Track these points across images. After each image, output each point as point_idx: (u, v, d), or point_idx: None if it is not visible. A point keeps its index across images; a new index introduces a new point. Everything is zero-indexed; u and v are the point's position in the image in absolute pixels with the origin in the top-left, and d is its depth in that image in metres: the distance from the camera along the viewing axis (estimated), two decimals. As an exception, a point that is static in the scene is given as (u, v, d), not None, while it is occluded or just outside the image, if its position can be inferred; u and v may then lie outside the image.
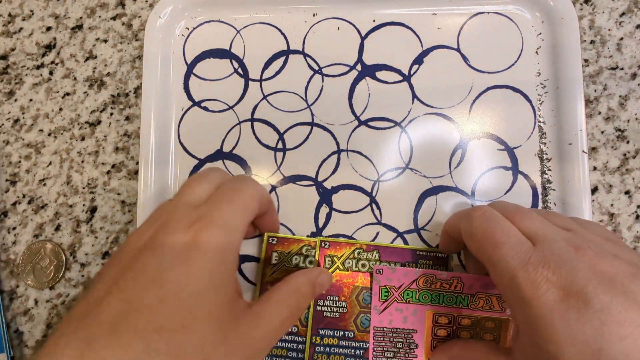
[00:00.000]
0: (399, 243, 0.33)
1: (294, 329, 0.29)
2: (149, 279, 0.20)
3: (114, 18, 0.37)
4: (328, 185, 0.34)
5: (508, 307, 0.25)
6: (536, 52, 0.34)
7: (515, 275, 0.21)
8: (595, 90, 0.34)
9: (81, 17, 0.37)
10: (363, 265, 0.28)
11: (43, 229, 0.35)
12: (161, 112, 0.34)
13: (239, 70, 0.35)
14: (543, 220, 0.24)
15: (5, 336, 0.33)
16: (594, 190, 0.34)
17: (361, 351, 0.29)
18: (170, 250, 0.21)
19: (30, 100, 0.36)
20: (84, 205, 0.35)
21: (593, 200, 0.33)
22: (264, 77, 0.35)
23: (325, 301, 0.29)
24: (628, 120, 0.34)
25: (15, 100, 0.36)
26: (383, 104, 0.34)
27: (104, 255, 0.34)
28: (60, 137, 0.36)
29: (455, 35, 0.35)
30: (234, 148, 0.34)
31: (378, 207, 0.33)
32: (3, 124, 0.36)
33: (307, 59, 0.35)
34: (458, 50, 0.34)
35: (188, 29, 0.36)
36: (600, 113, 0.34)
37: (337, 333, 0.29)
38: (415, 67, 0.34)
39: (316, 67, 0.35)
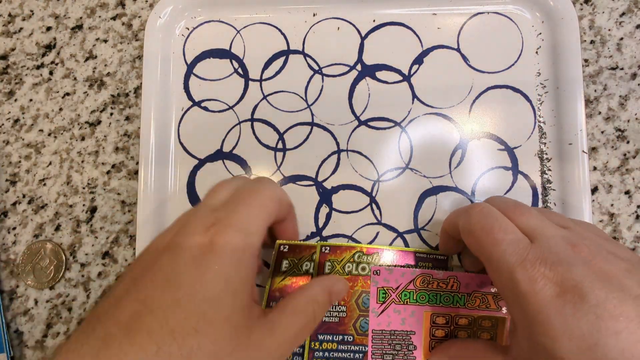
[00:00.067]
0: (399, 243, 0.33)
1: None
2: (165, 281, 0.21)
3: (114, 18, 0.37)
4: (328, 185, 0.34)
5: (505, 303, 0.25)
6: (536, 52, 0.34)
7: (513, 272, 0.22)
8: (595, 90, 0.34)
9: (81, 17, 0.37)
10: (363, 269, 0.28)
11: (43, 229, 0.35)
12: (161, 112, 0.34)
13: (239, 70, 0.35)
14: (540, 217, 0.24)
15: (5, 336, 0.33)
16: (594, 190, 0.34)
17: (360, 355, 0.29)
18: (187, 252, 0.21)
19: (30, 100, 0.36)
20: (84, 205, 0.35)
21: (593, 200, 0.33)
22: (264, 77, 0.35)
23: None
24: (628, 120, 0.34)
25: (15, 100, 0.36)
26: (383, 104, 0.34)
27: (104, 255, 0.34)
28: (60, 137, 0.36)
29: (455, 35, 0.35)
30: (234, 148, 0.34)
31: (378, 207, 0.33)
32: (3, 124, 0.36)
33: (307, 59, 0.35)
34: (458, 50, 0.34)
35: (188, 29, 0.36)
36: (600, 113, 0.34)
37: (336, 337, 0.28)
38: (415, 67, 0.34)
39: (316, 67, 0.35)
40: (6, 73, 0.37)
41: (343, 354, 0.29)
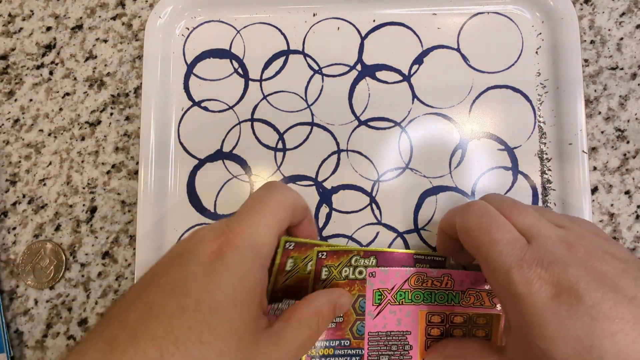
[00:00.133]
0: (398, 242, 0.33)
1: None
2: (172, 286, 0.21)
3: (114, 18, 0.37)
4: (328, 185, 0.34)
5: (500, 303, 0.25)
6: (536, 52, 0.34)
7: (510, 273, 0.22)
8: (595, 90, 0.34)
9: (81, 17, 0.37)
10: (360, 273, 0.28)
11: (43, 229, 0.35)
12: (161, 112, 0.34)
13: (239, 70, 0.35)
14: (537, 216, 0.24)
15: (5, 336, 0.33)
16: (594, 190, 0.34)
17: (357, 357, 0.29)
18: (196, 258, 0.21)
19: (30, 100, 0.36)
20: (84, 205, 0.35)
21: (593, 200, 0.33)
22: (264, 77, 0.35)
23: None
24: (628, 120, 0.34)
25: (15, 100, 0.36)
26: (383, 104, 0.34)
27: (104, 255, 0.34)
28: (60, 137, 0.36)
29: (455, 35, 0.35)
30: (234, 148, 0.34)
31: (378, 207, 0.33)
32: (3, 124, 0.36)
33: (307, 59, 0.35)
34: (458, 50, 0.34)
35: (188, 29, 0.36)
36: (600, 113, 0.34)
37: (333, 343, 0.28)
38: (415, 67, 0.34)
39: (316, 67, 0.35)
40: (6, 73, 0.37)
41: (340, 357, 0.28)
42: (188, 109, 0.35)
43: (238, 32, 0.35)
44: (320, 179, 0.34)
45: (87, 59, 0.37)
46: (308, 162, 0.34)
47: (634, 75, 0.34)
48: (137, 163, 0.35)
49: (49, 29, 0.37)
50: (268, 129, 0.34)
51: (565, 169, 0.33)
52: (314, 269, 0.27)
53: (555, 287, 0.21)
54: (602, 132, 0.34)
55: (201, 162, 0.34)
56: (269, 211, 0.23)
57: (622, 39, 0.35)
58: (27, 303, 0.34)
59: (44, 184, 0.35)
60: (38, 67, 0.37)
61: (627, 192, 0.34)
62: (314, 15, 0.35)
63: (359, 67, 0.35)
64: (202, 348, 0.19)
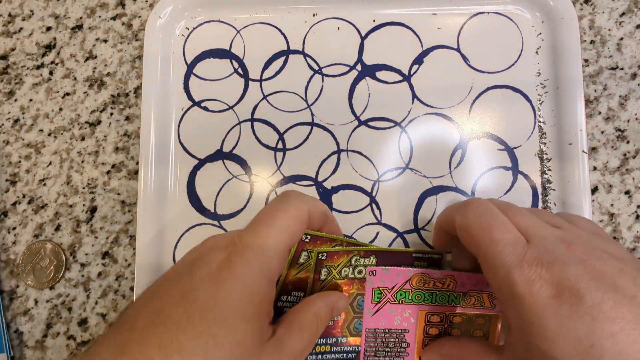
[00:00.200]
0: (398, 242, 0.33)
1: None
2: (181, 293, 0.21)
3: (114, 18, 0.37)
4: (328, 185, 0.34)
5: (500, 303, 0.25)
6: (536, 52, 0.34)
7: (510, 273, 0.21)
8: (595, 90, 0.34)
9: (81, 17, 0.37)
10: (360, 272, 0.28)
11: (43, 229, 0.35)
12: (161, 112, 0.34)
13: (239, 70, 0.35)
14: (534, 218, 0.24)
15: (5, 336, 0.33)
16: (594, 190, 0.34)
17: (353, 354, 0.29)
18: (205, 266, 0.21)
19: (30, 100, 0.36)
20: (84, 205, 0.35)
21: (593, 200, 0.33)
22: (264, 77, 0.35)
23: None
24: (628, 120, 0.34)
25: (15, 100, 0.36)
26: (383, 104, 0.34)
27: (104, 255, 0.34)
28: (60, 137, 0.36)
29: (455, 35, 0.35)
30: (234, 148, 0.34)
31: (378, 207, 0.33)
32: (3, 124, 0.36)
33: (307, 59, 0.35)
34: (458, 50, 0.34)
35: (188, 29, 0.36)
36: (600, 113, 0.34)
37: (329, 340, 0.28)
38: (415, 67, 0.34)
39: (316, 67, 0.35)
40: (6, 73, 0.37)
41: (336, 354, 0.28)
42: (188, 109, 0.35)
43: (238, 32, 0.35)
44: (320, 179, 0.34)
45: (87, 59, 0.37)
46: (308, 162, 0.34)
47: (634, 75, 0.34)
48: (137, 163, 0.35)
49: (49, 29, 0.37)
50: (268, 129, 0.34)
51: (565, 169, 0.33)
52: (313, 271, 0.27)
53: (555, 287, 0.21)
54: (602, 132, 0.34)
55: (201, 162, 0.34)
56: (281, 224, 0.23)
57: (622, 39, 0.35)
58: (27, 303, 0.34)
59: (44, 184, 0.35)
60: (38, 67, 0.37)
61: (627, 192, 0.34)
62: (314, 15, 0.35)
63: (359, 67, 0.35)
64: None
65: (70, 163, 0.35)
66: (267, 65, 0.35)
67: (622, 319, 0.19)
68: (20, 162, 0.36)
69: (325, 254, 0.27)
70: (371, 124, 0.34)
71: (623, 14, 0.35)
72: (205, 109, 0.35)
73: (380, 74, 0.34)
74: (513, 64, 0.34)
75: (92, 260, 0.34)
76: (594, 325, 0.19)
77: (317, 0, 0.35)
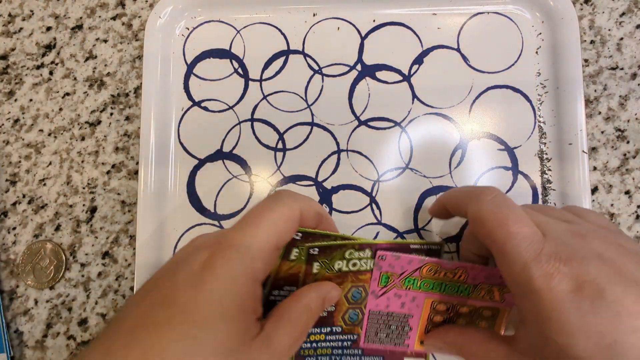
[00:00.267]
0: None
1: None
2: (163, 297, 0.21)
3: (114, 18, 0.37)
4: (328, 185, 0.34)
5: (515, 297, 0.24)
6: (536, 52, 0.34)
7: (528, 268, 0.21)
8: (595, 90, 0.34)
9: (81, 17, 0.37)
10: (354, 265, 0.27)
11: (43, 229, 0.35)
12: (161, 112, 0.34)
13: (239, 70, 0.35)
14: (546, 212, 0.24)
15: (5, 336, 0.33)
16: (594, 190, 0.34)
17: (349, 342, 0.28)
18: (187, 267, 0.21)
19: (30, 100, 0.36)
20: (84, 205, 0.35)
21: (593, 200, 0.33)
22: (264, 77, 0.35)
23: None
24: (628, 120, 0.34)
25: (15, 100, 0.36)
26: (383, 104, 0.34)
27: (104, 255, 0.34)
28: (60, 137, 0.36)
29: (455, 35, 0.35)
30: (234, 148, 0.34)
31: (378, 207, 0.33)
32: (3, 124, 0.36)
33: (307, 59, 0.35)
34: (458, 50, 0.34)
35: (188, 29, 0.36)
36: (600, 113, 0.34)
37: (324, 329, 0.28)
38: (415, 67, 0.34)
39: (316, 67, 0.35)
40: (6, 73, 0.37)
41: (331, 342, 0.28)
42: (188, 109, 0.35)
43: (238, 32, 0.35)
44: (320, 179, 0.34)
45: (87, 59, 0.37)
46: (308, 162, 0.34)
47: (634, 75, 0.34)
48: (137, 163, 0.35)
49: (49, 29, 0.37)
50: (268, 129, 0.34)
51: (565, 169, 0.33)
52: (304, 265, 0.27)
53: (575, 282, 0.20)
54: (602, 132, 0.34)
55: (201, 162, 0.34)
56: (268, 223, 0.23)
57: (622, 39, 0.35)
58: (27, 303, 0.34)
59: (44, 184, 0.35)
60: (38, 67, 0.37)
61: (627, 192, 0.34)
62: (314, 15, 0.35)
63: (359, 67, 0.35)
64: None
65: (70, 163, 0.35)
66: (267, 65, 0.35)
67: None
68: (20, 162, 0.36)
69: (317, 249, 0.26)
70: (371, 124, 0.34)
71: (623, 14, 0.35)
72: (205, 109, 0.35)
73: (380, 74, 0.34)
74: (513, 64, 0.34)
75: (92, 260, 0.34)
76: (617, 321, 0.19)
77: (317, 0, 0.35)
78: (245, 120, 0.35)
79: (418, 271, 0.27)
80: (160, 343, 0.19)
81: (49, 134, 0.36)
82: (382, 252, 0.26)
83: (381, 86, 0.34)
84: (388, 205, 0.33)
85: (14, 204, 0.35)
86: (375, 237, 0.33)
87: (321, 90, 0.35)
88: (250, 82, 0.35)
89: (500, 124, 0.34)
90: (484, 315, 0.29)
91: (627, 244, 0.22)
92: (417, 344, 0.29)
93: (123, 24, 0.37)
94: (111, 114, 0.36)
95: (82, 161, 0.35)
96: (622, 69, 0.34)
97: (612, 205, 0.33)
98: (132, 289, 0.34)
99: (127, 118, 0.36)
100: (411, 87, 0.34)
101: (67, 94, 0.36)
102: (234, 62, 0.35)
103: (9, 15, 0.37)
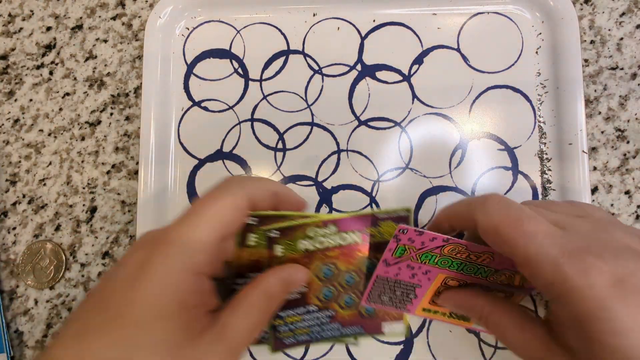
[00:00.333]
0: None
1: None
2: (100, 301, 0.21)
3: (114, 18, 0.37)
4: (328, 185, 0.34)
5: (551, 301, 0.22)
6: (536, 52, 0.34)
7: (559, 266, 0.19)
8: (595, 90, 0.34)
9: (81, 17, 0.37)
10: (320, 243, 0.26)
11: (43, 229, 0.35)
12: (161, 112, 0.34)
13: (239, 70, 0.35)
14: (549, 209, 0.23)
15: (5, 336, 0.33)
16: (594, 190, 0.34)
17: (326, 318, 0.28)
18: (124, 269, 0.21)
19: (30, 100, 0.36)
20: (84, 205, 0.35)
21: (593, 200, 0.33)
22: (264, 77, 0.35)
23: None
24: (628, 120, 0.34)
25: (15, 100, 0.36)
26: (383, 104, 0.34)
27: (104, 255, 0.34)
28: (60, 137, 0.36)
29: (455, 35, 0.35)
30: (234, 148, 0.34)
31: (378, 207, 0.33)
32: (3, 124, 0.36)
33: (307, 59, 0.35)
34: (458, 50, 0.34)
35: (188, 29, 0.36)
36: (600, 113, 0.34)
37: (300, 310, 0.27)
38: (415, 67, 0.34)
39: (316, 67, 0.35)
40: (6, 73, 0.37)
41: (309, 322, 0.28)
42: (188, 109, 0.35)
43: (238, 32, 0.35)
44: (320, 179, 0.34)
45: (87, 59, 0.37)
46: (308, 162, 0.34)
47: (634, 75, 0.34)
48: (137, 163, 0.35)
49: (49, 29, 0.37)
50: (268, 129, 0.34)
51: (565, 169, 0.33)
52: (266, 250, 0.26)
53: (613, 276, 0.19)
54: (602, 132, 0.34)
55: (201, 162, 0.34)
56: (210, 215, 0.22)
57: (622, 39, 0.35)
58: (27, 303, 0.34)
59: (44, 184, 0.35)
60: (38, 67, 0.37)
61: (627, 192, 0.34)
62: (314, 15, 0.35)
63: (359, 67, 0.35)
64: None
65: (70, 163, 0.35)
66: (267, 65, 0.35)
67: None
68: (20, 162, 0.36)
69: (276, 232, 0.25)
70: (371, 124, 0.34)
71: (623, 14, 0.35)
72: (205, 109, 0.35)
73: (380, 74, 0.34)
74: (513, 64, 0.34)
75: (92, 260, 0.34)
76: None
77: (317, 0, 0.35)
78: (245, 120, 0.35)
79: (439, 249, 0.26)
80: (100, 349, 0.19)
81: (49, 134, 0.36)
82: (404, 226, 0.25)
83: (381, 86, 0.34)
84: (388, 205, 0.33)
85: (14, 204, 0.35)
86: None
87: (321, 90, 0.35)
88: (250, 82, 0.35)
89: (500, 124, 0.34)
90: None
91: (637, 233, 0.22)
92: (419, 309, 0.29)
93: (123, 24, 0.37)
94: (111, 114, 0.36)
95: (82, 161, 0.35)
96: (622, 69, 0.34)
97: (612, 205, 0.33)
98: (132, 289, 0.34)
99: (127, 118, 0.36)
100: (411, 87, 0.34)
101: (67, 94, 0.36)
102: (234, 62, 0.35)
103: (9, 15, 0.37)
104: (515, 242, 0.21)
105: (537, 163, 0.33)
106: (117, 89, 0.36)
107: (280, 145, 0.34)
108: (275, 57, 0.35)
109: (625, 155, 0.34)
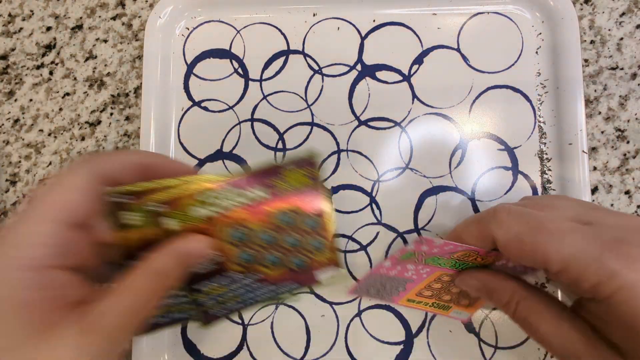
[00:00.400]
0: (399, 242, 0.33)
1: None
2: None
3: (114, 18, 0.37)
4: (328, 185, 0.34)
5: (597, 302, 0.20)
6: (536, 52, 0.34)
7: (604, 261, 0.18)
8: (595, 90, 0.34)
9: (81, 17, 0.37)
10: (219, 206, 0.24)
11: (43, 229, 0.35)
12: (161, 112, 0.34)
13: (239, 70, 0.35)
14: (554, 208, 0.23)
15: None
16: (594, 190, 0.34)
17: (256, 282, 0.26)
18: None
19: (30, 100, 0.36)
20: (84, 205, 0.35)
21: (593, 200, 0.33)
22: (264, 77, 0.35)
23: None
24: (628, 120, 0.34)
25: (15, 100, 0.36)
26: (383, 104, 0.34)
27: (104, 255, 0.34)
28: (60, 137, 0.36)
29: (455, 35, 0.35)
30: (234, 148, 0.34)
31: (378, 207, 0.33)
32: (3, 124, 0.36)
33: (307, 59, 0.35)
34: (458, 50, 0.34)
35: (188, 29, 0.36)
36: (600, 113, 0.34)
37: (223, 281, 0.25)
38: (415, 67, 0.34)
39: (316, 67, 0.35)
40: (6, 73, 0.37)
41: (238, 290, 0.26)
42: (188, 109, 0.35)
43: (238, 32, 0.35)
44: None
45: (87, 59, 0.37)
46: (308, 162, 0.34)
47: (634, 75, 0.34)
48: (137, 163, 0.35)
49: (49, 29, 0.37)
50: (268, 129, 0.34)
51: (565, 169, 0.33)
52: (155, 227, 0.23)
53: None
54: (602, 132, 0.34)
55: (201, 162, 0.34)
56: (49, 202, 0.21)
57: (622, 39, 0.35)
58: (27, 303, 0.34)
59: (44, 184, 0.35)
60: (38, 67, 0.37)
61: (627, 192, 0.34)
62: (314, 15, 0.35)
63: (359, 67, 0.35)
64: None
65: (71, 163, 0.35)
66: (267, 65, 0.35)
67: None
68: (20, 162, 0.36)
69: (159, 205, 0.23)
70: (371, 124, 0.34)
71: (623, 14, 0.35)
72: (205, 109, 0.35)
73: (380, 74, 0.34)
74: (513, 64, 0.34)
75: (92, 260, 0.34)
76: None
77: (317, 0, 0.35)
78: (245, 120, 0.35)
79: (449, 254, 0.25)
80: None
81: (49, 134, 0.36)
82: (423, 237, 0.25)
83: (381, 86, 0.34)
84: (388, 205, 0.33)
85: (14, 204, 0.35)
86: (376, 237, 0.33)
87: (321, 90, 0.35)
88: (250, 82, 0.35)
89: (500, 124, 0.34)
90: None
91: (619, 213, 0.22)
92: (403, 300, 0.29)
93: (123, 24, 0.37)
94: (111, 114, 0.36)
95: (82, 161, 0.35)
96: (622, 69, 0.34)
97: (612, 205, 0.33)
98: (132, 289, 0.34)
99: (127, 118, 0.36)
100: (411, 87, 0.34)
101: (67, 94, 0.36)
102: (234, 62, 0.35)
103: (9, 15, 0.37)
104: (544, 247, 0.20)
105: (537, 163, 0.33)
106: (117, 89, 0.36)
107: (280, 145, 0.34)
108: (275, 57, 0.35)
109: (625, 155, 0.34)
